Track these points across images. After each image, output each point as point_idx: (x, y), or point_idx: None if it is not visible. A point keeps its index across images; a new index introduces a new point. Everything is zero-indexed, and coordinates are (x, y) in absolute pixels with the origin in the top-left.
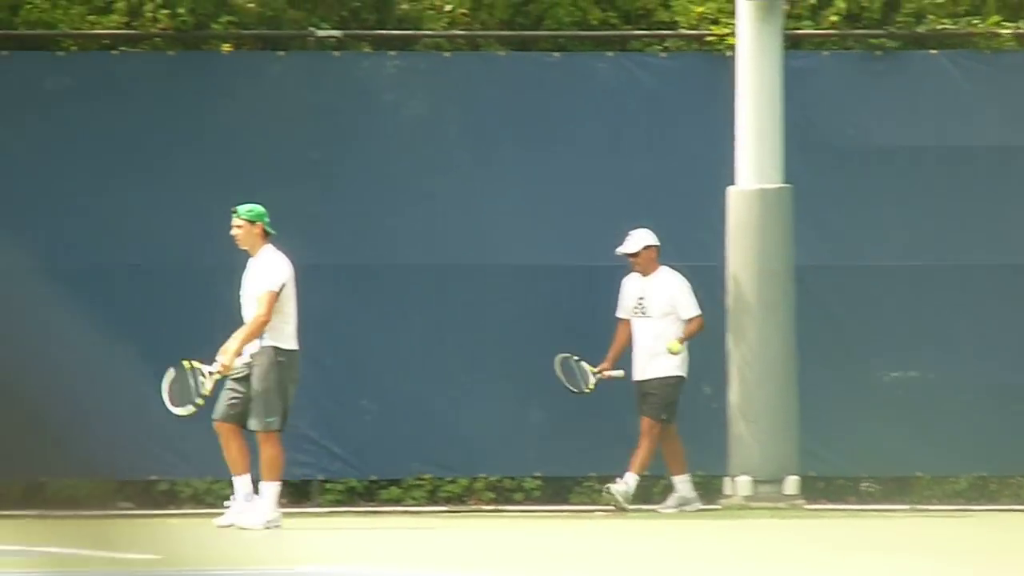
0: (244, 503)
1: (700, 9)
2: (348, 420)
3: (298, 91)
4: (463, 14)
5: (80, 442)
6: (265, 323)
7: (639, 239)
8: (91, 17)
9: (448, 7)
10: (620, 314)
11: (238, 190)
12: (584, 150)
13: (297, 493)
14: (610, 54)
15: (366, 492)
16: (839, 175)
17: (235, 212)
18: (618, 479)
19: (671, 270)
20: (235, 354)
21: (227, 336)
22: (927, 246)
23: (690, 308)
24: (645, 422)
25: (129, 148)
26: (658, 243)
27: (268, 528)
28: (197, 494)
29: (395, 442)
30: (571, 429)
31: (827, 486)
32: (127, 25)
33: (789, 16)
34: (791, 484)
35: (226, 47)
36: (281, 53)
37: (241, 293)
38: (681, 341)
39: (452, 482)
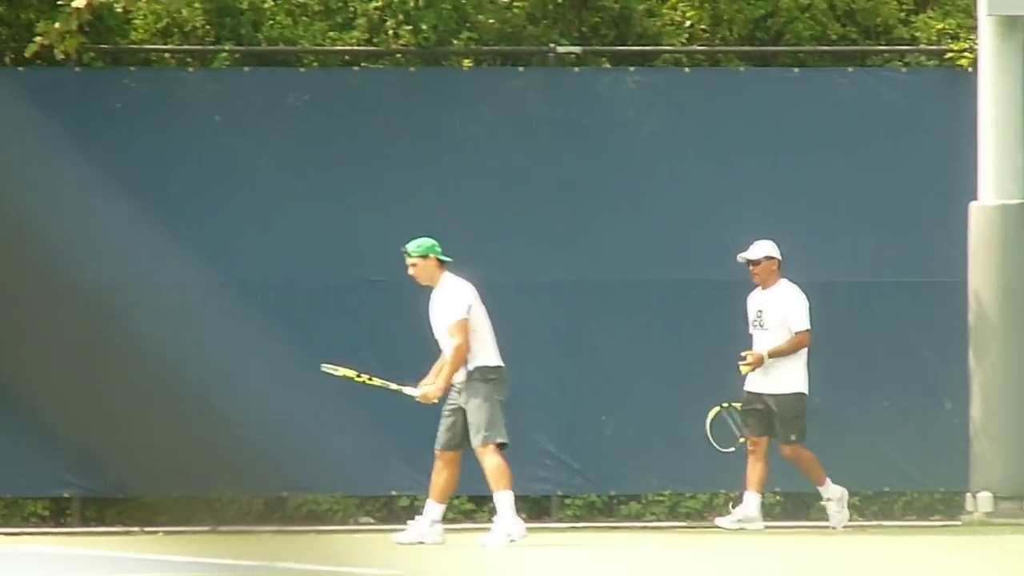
0: (429, 526)
1: (940, 25)
2: (587, 435)
3: (538, 107)
4: (702, 30)
5: (321, 458)
6: (465, 350)
7: (761, 248)
8: (332, 33)
9: (687, 23)
10: (751, 329)
11: (478, 206)
12: (824, 166)
13: (536, 508)
14: (850, 69)
15: (605, 507)
16: None
17: (406, 252)
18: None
19: (791, 283)
20: (443, 391)
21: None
22: None
23: (799, 322)
24: (782, 448)
25: (369, 163)
26: (779, 256)
27: (512, 541)
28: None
29: (634, 457)
30: (811, 444)
31: None
32: (368, 41)
33: None
34: None
35: (467, 63)
36: (521, 69)
37: (432, 324)
38: (753, 360)
39: (692, 497)
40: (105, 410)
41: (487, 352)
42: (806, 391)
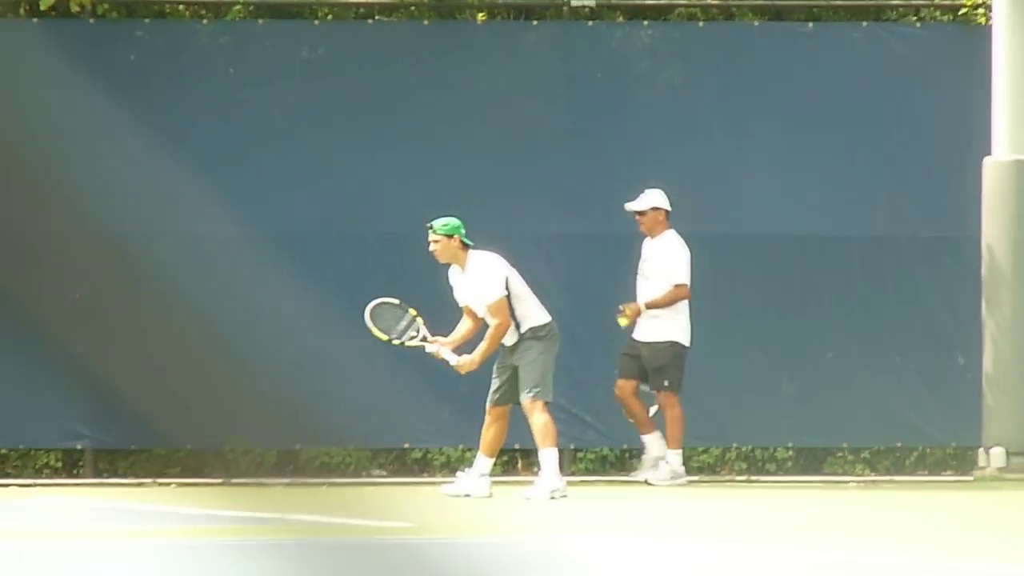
0: (477, 479)
1: None
2: (600, 390)
3: (552, 61)
4: None
5: (334, 410)
6: (505, 328)
7: (648, 199)
8: None
9: None
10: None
11: (491, 159)
12: (838, 120)
13: None
14: (864, 24)
15: (618, 461)
16: None
17: (431, 228)
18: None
19: (676, 235)
20: (476, 365)
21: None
22: None
23: (679, 275)
24: (658, 395)
25: (383, 117)
26: (668, 207)
27: (553, 498)
28: (450, 462)
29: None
30: (823, 399)
31: None
32: None
33: None
34: None
35: (481, 16)
36: (535, 22)
37: (457, 296)
38: (630, 312)
39: (704, 452)
40: (118, 361)
41: (535, 313)
42: (683, 342)
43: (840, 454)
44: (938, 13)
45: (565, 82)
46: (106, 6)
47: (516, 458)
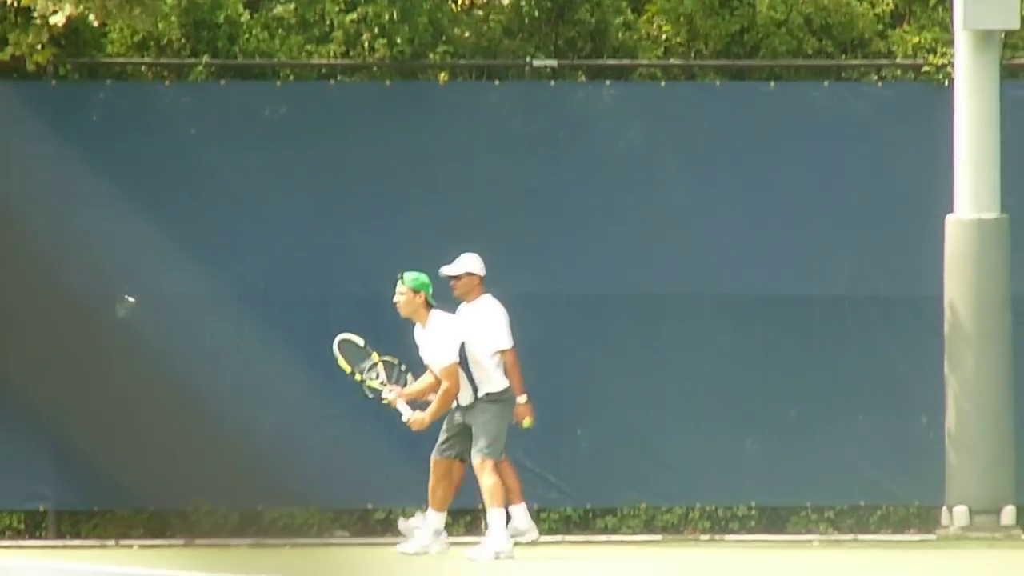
0: (433, 537)
1: (916, 39)
2: (564, 449)
3: (514, 120)
4: (678, 43)
5: (296, 471)
6: (454, 393)
7: (463, 263)
8: (308, 47)
9: (664, 37)
10: None
11: (454, 218)
12: (799, 178)
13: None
14: (826, 83)
15: (581, 521)
16: None
17: (400, 278)
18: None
19: (492, 299)
20: (426, 424)
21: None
22: None
23: (502, 340)
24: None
25: (346, 177)
26: (483, 272)
27: (499, 558)
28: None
29: (611, 471)
30: (786, 458)
31: None
32: (344, 55)
33: (1006, 46)
34: (1008, 514)
35: (443, 77)
36: (497, 82)
37: (420, 353)
38: (529, 417)
39: (668, 511)
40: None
41: (492, 378)
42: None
43: (803, 513)
44: (899, 72)
45: (527, 141)
46: (68, 67)
47: (479, 517)
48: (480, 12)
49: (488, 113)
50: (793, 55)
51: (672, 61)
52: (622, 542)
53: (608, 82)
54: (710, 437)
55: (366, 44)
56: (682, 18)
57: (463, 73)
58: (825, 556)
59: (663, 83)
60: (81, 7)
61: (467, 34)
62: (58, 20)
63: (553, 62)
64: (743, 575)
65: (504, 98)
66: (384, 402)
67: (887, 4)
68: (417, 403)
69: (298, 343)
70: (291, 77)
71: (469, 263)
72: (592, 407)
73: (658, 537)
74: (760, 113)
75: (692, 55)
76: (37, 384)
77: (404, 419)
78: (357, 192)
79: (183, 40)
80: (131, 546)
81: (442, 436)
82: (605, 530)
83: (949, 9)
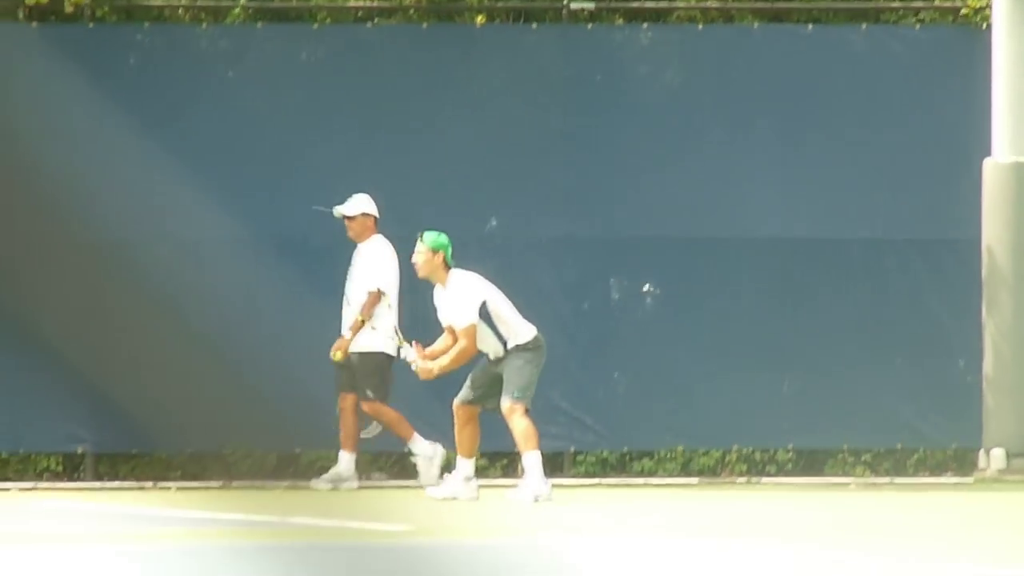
0: (463, 483)
1: None
2: (600, 392)
3: (551, 64)
4: None
5: (334, 414)
6: (472, 353)
7: (357, 204)
8: None
9: None
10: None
11: (490, 162)
12: (837, 122)
13: (549, 464)
14: (863, 26)
15: (618, 464)
16: None
17: (421, 237)
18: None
19: (384, 241)
20: (433, 375)
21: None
22: None
23: (375, 280)
24: (362, 404)
25: (382, 120)
26: (376, 213)
27: (537, 501)
28: (450, 466)
29: (648, 414)
30: (824, 401)
31: None
32: None
33: None
34: None
35: (480, 19)
36: (534, 25)
37: (440, 318)
38: (340, 346)
39: (705, 454)
40: (117, 365)
41: (518, 330)
42: (385, 350)
43: (841, 456)
44: (938, 15)
45: (564, 84)
46: (105, 9)
47: (516, 460)
48: None
49: (524, 56)
50: None
51: (710, 4)
52: (659, 485)
53: (645, 25)
54: (747, 380)
55: None
56: None
57: (500, 15)
58: (862, 499)
59: (700, 26)
60: None
61: None
62: None
63: (590, 4)
64: (780, 518)
65: (541, 41)
66: (402, 358)
67: None
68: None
69: (336, 285)
70: (328, 20)
71: (364, 203)
72: (629, 350)
73: (695, 480)
74: (797, 56)
75: None
76: (74, 327)
77: (414, 367)
78: (394, 135)
79: None
80: (169, 488)
81: (466, 385)
82: (642, 473)
83: None
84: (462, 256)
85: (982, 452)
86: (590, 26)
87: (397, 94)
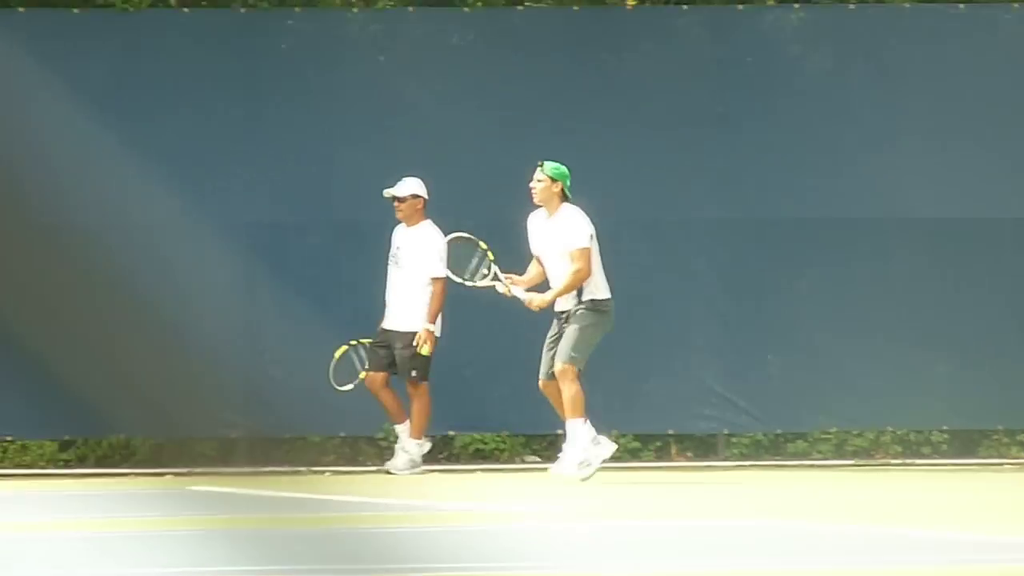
0: (593, 446)
1: None
2: (754, 374)
3: (701, 45)
4: None
5: (488, 398)
6: (586, 277)
7: (408, 186)
8: None
9: None
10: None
11: (642, 144)
12: (989, 101)
13: (703, 447)
14: (1015, 5)
15: (772, 446)
16: None
17: (541, 165)
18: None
19: (433, 225)
20: (547, 303)
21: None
22: None
23: (436, 269)
24: (407, 385)
25: (533, 104)
26: (426, 196)
27: (581, 468)
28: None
29: (801, 395)
30: (978, 381)
31: None
32: None
33: None
34: None
35: (631, 2)
36: (685, 7)
37: (537, 247)
38: (429, 340)
39: (859, 435)
40: (272, 353)
41: (599, 285)
42: (436, 332)
43: (995, 437)
44: None
45: (715, 66)
46: None
47: (670, 443)
48: None
49: (676, 38)
50: None
51: None
52: (812, 467)
53: (797, 5)
54: (900, 361)
55: None
56: None
57: None
58: (1018, 480)
59: (852, 6)
60: None
61: None
62: None
63: None
64: (934, 500)
65: (691, 23)
66: (499, 292)
67: None
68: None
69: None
70: (479, 4)
71: (415, 185)
72: (782, 332)
73: (849, 462)
74: (950, 35)
75: None
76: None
77: (524, 300)
78: (544, 118)
79: None
80: (323, 472)
81: (543, 362)
82: (795, 455)
83: None
84: (616, 239)
85: None
86: (741, 7)
87: (547, 78)
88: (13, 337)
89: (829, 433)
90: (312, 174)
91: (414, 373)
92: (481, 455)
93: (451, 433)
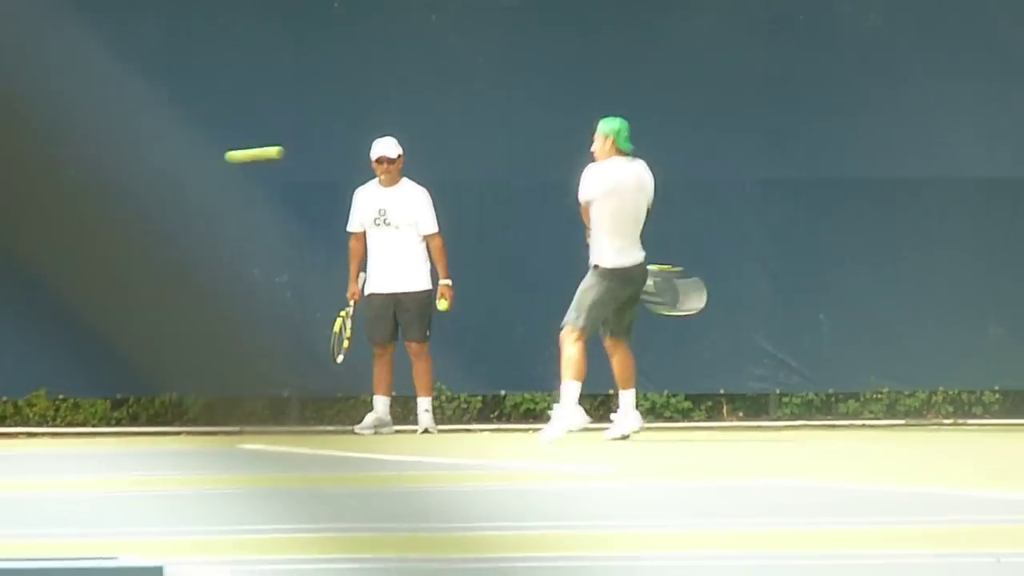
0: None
1: None
2: (805, 334)
3: (754, 5)
4: None
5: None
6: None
7: (396, 146)
8: None
9: None
10: (353, 228)
11: (694, 103)
12: None
13: (754, 406)
14: None
15: (823, 405)
16: None
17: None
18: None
19: (412, 182)
20: None
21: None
22: None
23: (432, 224)
24: (413, 346)
25: (585, 62)
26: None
27: (569, 432)
28: (655, 408)
29: (853, 355)
30: None
31: None
32: None
33: None
34: None
35: None
36: None
37: None
38: (448, 295)
39: (911, 395)
40: (323, 313)
41: (608, 251)
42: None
43: None
44: None
45: (768, 25)
46: None
47: (721, 402)
48: None
49: None
50: None
51: None
52: (864, 426)
53: None
54: (952, 321)
55: None
56: None
57: None
58: None
59: None
60: None
61: None
62: None
63: None
64: (986, 460)
65: None
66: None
67: None
68: None
69: (538, 231)
70: None
71: (398, 145)
72: (834, 292)
73: (900, 422)
74: None
75: None
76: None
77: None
78: (597, 78)
79: None
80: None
81: (609, 318)
82: (847, 415)
83: None
84: (668, 199)
85: None
86: None
87: (598, 37)
88: (65, 298)
89: (881, 393)
90: (364, 134)
91: (428, 332)
92: (532, 415)
93: (502, 392)
